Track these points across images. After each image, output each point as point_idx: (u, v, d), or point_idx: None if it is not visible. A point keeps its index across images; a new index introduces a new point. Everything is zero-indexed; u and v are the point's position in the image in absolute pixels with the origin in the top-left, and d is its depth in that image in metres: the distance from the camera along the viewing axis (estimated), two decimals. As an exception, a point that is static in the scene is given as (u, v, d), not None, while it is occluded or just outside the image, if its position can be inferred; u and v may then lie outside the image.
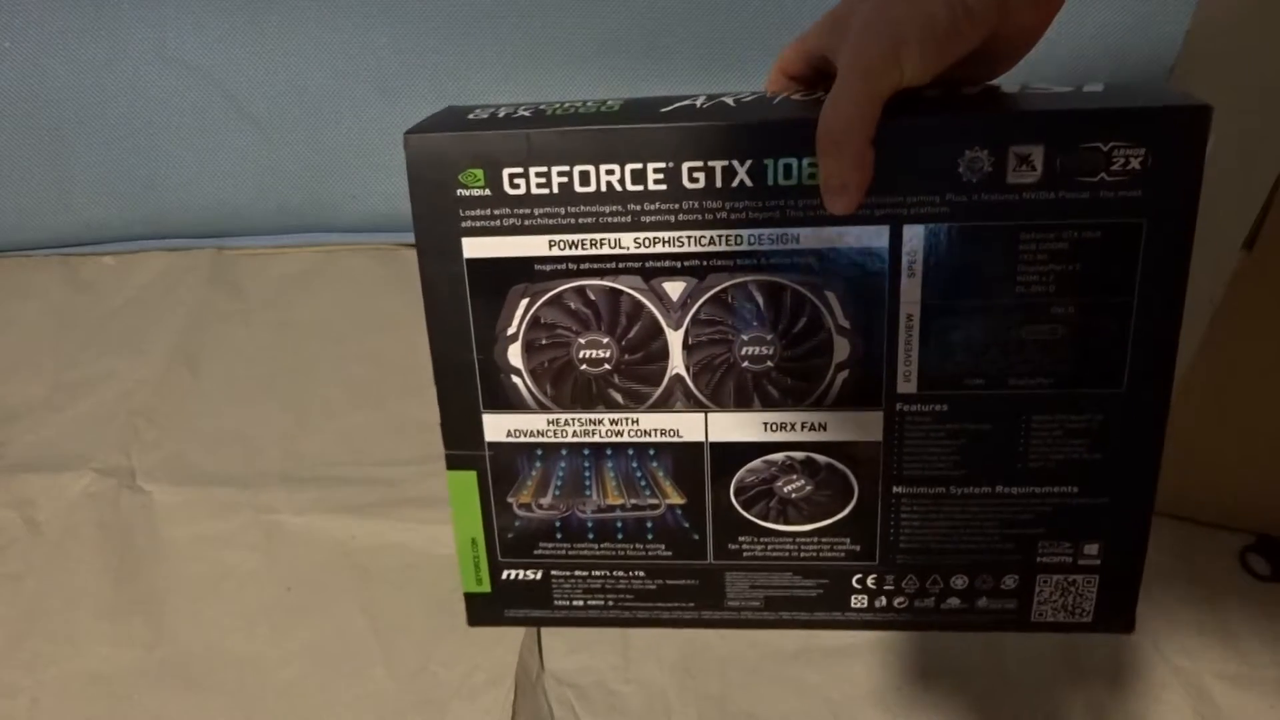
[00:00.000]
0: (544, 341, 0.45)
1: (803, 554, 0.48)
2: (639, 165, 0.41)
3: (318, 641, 0.64)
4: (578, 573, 0.50)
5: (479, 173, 0.42)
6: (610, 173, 0.41)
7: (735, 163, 0.41)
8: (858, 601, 0.49)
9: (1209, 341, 0.60)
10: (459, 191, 0.42)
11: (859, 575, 0.49)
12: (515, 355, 0.45)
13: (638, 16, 0.84)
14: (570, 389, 0.46)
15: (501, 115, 0.43)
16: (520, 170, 0.42)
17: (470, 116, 0.43)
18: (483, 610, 0.51)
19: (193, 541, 0.70)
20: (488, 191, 0.42)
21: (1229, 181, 0.61)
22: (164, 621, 0.65)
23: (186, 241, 0.94)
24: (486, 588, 0.51)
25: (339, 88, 0.88)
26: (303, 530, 0.70)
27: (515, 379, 0.46)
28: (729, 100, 0.43)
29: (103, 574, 0.68)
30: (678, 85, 0.89)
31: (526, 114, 0.43)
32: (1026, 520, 0.46)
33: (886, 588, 0.49)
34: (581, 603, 0.51)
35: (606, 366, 0.45)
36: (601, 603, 0.51)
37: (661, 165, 0.41)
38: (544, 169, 0.42)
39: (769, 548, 0.48)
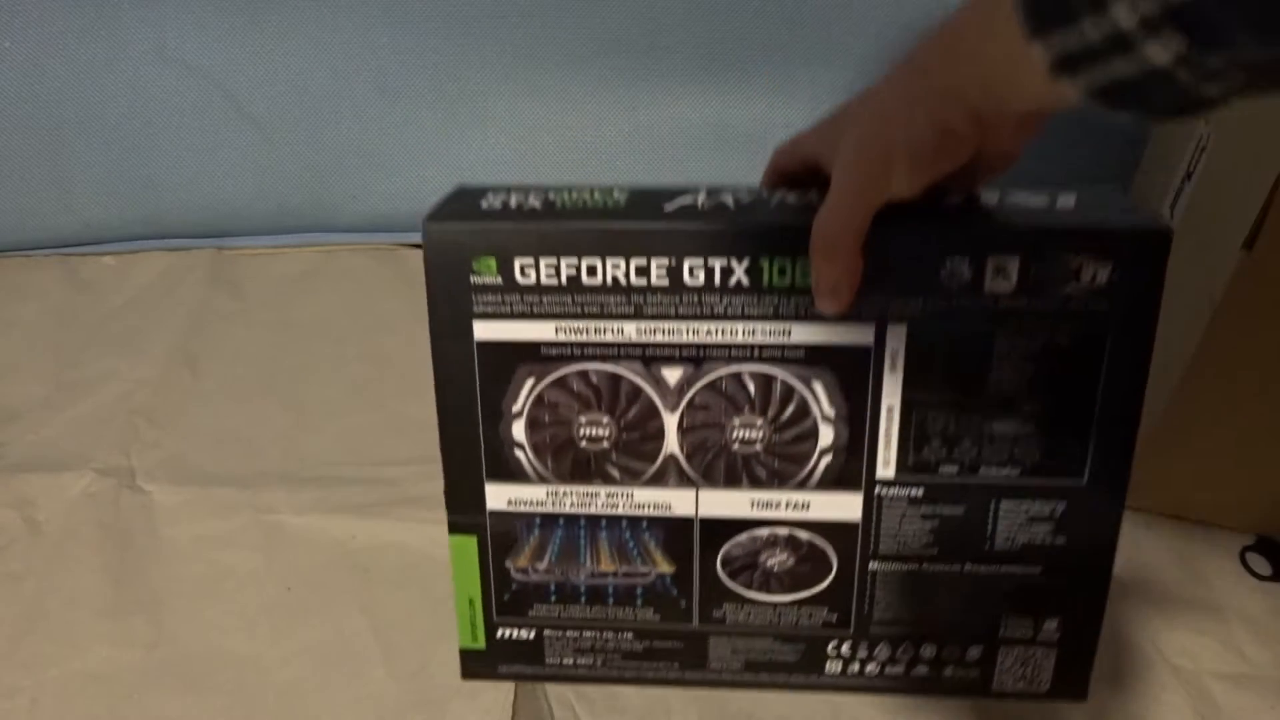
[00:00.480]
0: (547, 419, 0.47)
1: (782, 621, 0.51)
2: (643, 261, 0.43)
3: (318, 641, 0.64)
4: (569, 632, 0.52)
5: (492, 262, 0.44)
6: (616, 267, 0.44)
7: (734, 262, 0.43)
8: (832, 667, 0.52)
9: (1209, 341, 0.60)
10: (472, 278, 0.44)
11: (834, 642, 0.52)
12: (519, 431, 0.47)
13: (638, 16, 0.84)
14: (570, 463, 0.48)
15: (514, 204, 0.45)
16: (531, 261, 0.44)
17: (483, 204, 0.45)
18: (477, 665, 0.54)
19: (193, 541, 0.70)
20: (499, 279, 0.44)
21: (1229, 181, 0.61)
22: (164, 621, 0.65)
23: (186, 241, 0.94)
24: (481, 645, 0.53)
25: (339, 88, 0.88)
26: (303, 530, 0.70)
27: (518, 452, 0.48)
28: (728, 199, 0.45)
29: (103, 574, 0.68)
30: (677, 85, 0.89)
31: (537, 205, 0.45)
32: (992, 597, 0.50)
33: (860, 655, 0.52)
34: (571, 660, 0.53)
35: (605, 444, 0.47)
36: (590, 661, 0.53)
37: (664, 262, 0.43)
38: (553, 261, 0.44)
39: (751, 615, 0.51)
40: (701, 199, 0.45)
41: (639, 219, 0.44)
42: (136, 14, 0.83)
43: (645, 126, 0.91)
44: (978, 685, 0.52)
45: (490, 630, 0.53)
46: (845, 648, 0.52)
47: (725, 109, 0.90)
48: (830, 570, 0.50)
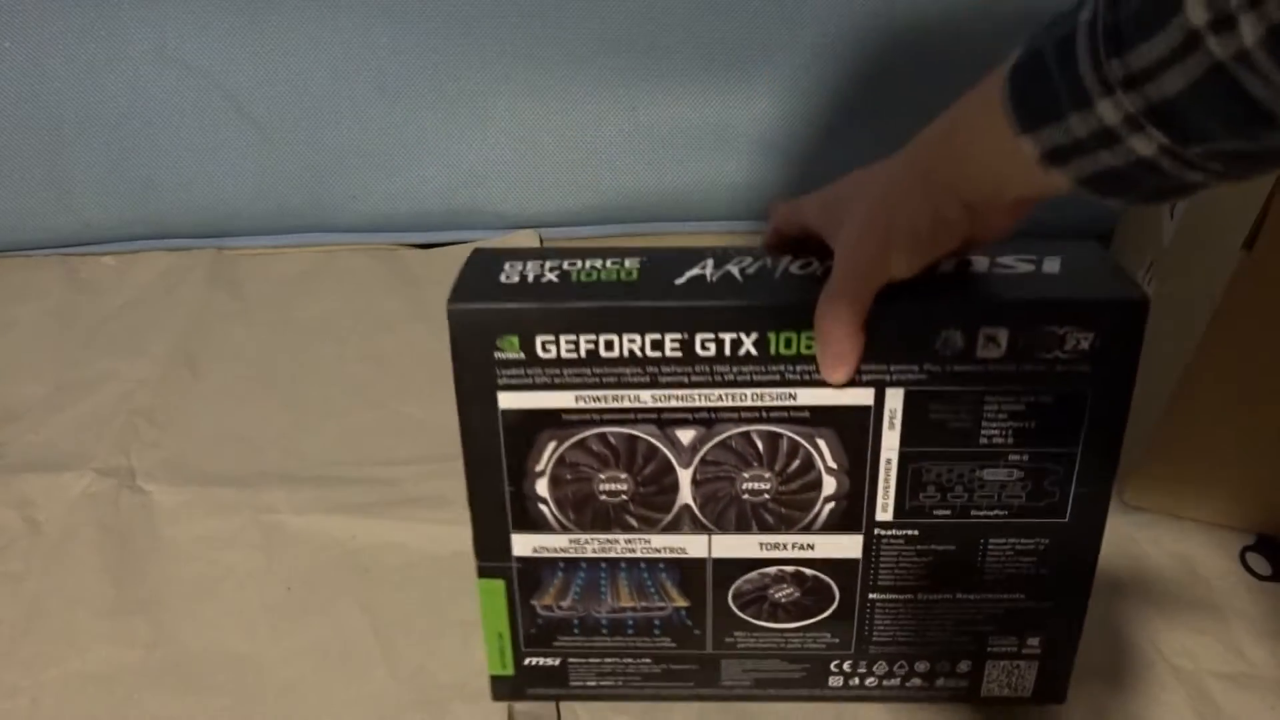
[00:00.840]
0: (568, 477, 0.49)
1: (789, 645, 0.55)
2: (658, 336, 0.46)
3: (318, 641, 0.64)
4: (591, 659, 0.56)
5: (515, 340, 0.46)
6: (632, 341, 0.46)
7: (743, 335, 0.45)
8: (834, 682, 0.56)
9: (1209, 341, 0.60)
10: (496, 354, 0.46)
11: (836, 661, 0.56)
12: (543, 487, 0.50)
13: (638, 16, 0.84)
14: (590, 515, 0.51)
15: (531, 278, 0.47)
16: (552, 338, 0.46)
17: (502, 277, 0.47)
18: (505, 689, 0.58)
19: (193, 541, 0.70)
20: (522, 355, 0.46)
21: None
22: (164, 621, 0.65)
23: (186, 241, 0.94)
24: (510, 672, 0.57)
25: (339, 88, 0.88)
26: (303, 530, 0.70)
27: (542, 506, 0.50)
28: (735, 271, 0.47)
29: (103, 574, 0.68)
30: (677, 85, 0.89)
31: (554, 278, 0.47)
32: (980, 620, 0.54)
33: (860, 670, 0.56)
34: (594, 683, 0.57)
35: (623, 497, 0.50)
36: (612, 683, 0.57)
37: (678, 336, 0.46)
38: (573, 337, 0.46)
39: (760, 640, 0.55)
40: (710, 270, 0.47)
41: (652, 296, 0.46)
42: (136, 14, 0.83)
43: (645, 126, 0.91)
44: (967, 693, 0.57)
45: (518, 660, 0.56)
46: (847, 665, 0.56)
47: (725, 109, 0.90)
48: (833, 601, 0.53)
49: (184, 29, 0.84)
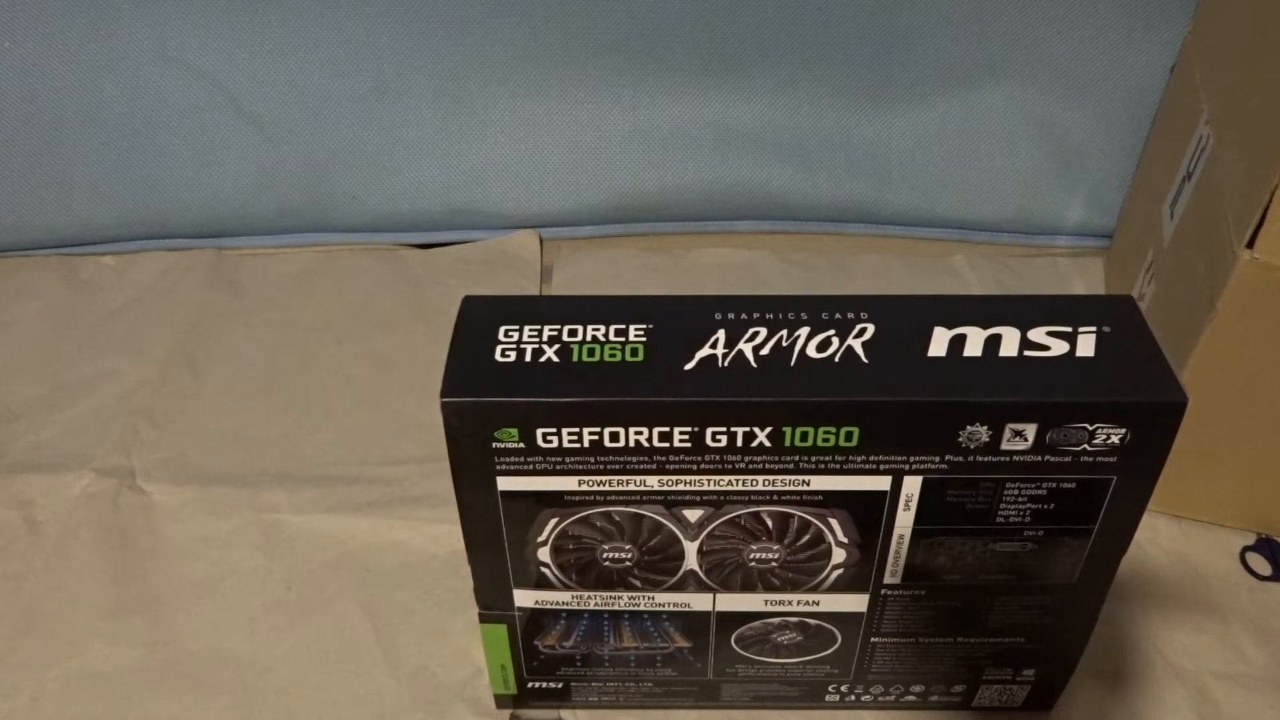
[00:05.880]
0: (571, 547, 0.49)
1: (789, 674, 0.56)
2: (665, 429, 0.44)
3: (318, 641, 0.64)
4: (594, 683, 0.57)
5: (514, 432, 0.44)
6: (639, 433, 0.44)
7: (756, 429, 0.44)
8: (831, 699, 0.58)
9: (1209, 340, 0.60)
10: (494, 444, 0.45)
11: (834, 685, 0.57)
12: (544, 554, 0.50)
13: (638, 17, 0.84)
14: (594, 577, 0.51)
15: (529, 356, 0.44)
16: (553, 430, 0.44)
17: (498, 354, 0.44)
18: (508, 701, 0.59)
19: (193, 541, 0.70)
20: (522, 444, 0.45)
21: (1229, 181, 0.61)
22: (164, 621, 0.65)
23: (186, 241, 0.94)
24: (513, 691, 0.58)
25: (339, 88, 0.88)
26: (303, 530, 0.70)
27: (544, 569, 0.50)
28: (749, 352, 0.45)
29: (103, 574, 0.68)
30: (678, 85, 0.89)
31: (554, 357, 0.44)
32: (980, 657, 0.55)
33: (856, 691, 0.57)
34: (596, 699, 0.59)
35: (627, 563, 0.50)
36: (614, 699, 0.58)
37: (687, 430, 0.44)
38: (575, 430, 0.44)
39: (760, 670, 0.56)
40: (721, 349, 0.44)
41: (660, 386, 0.43)
42: (136, 14, 0.83)
43: (645, 126, 0.90)
44: (958, 705, 0.59)
45: (521, 684, 0.58)
46: (844, 688, 0.57)
47: (725, 109, 0.90)
48: (835, 643, 0.54)
49: (184, 29, 0.84)
